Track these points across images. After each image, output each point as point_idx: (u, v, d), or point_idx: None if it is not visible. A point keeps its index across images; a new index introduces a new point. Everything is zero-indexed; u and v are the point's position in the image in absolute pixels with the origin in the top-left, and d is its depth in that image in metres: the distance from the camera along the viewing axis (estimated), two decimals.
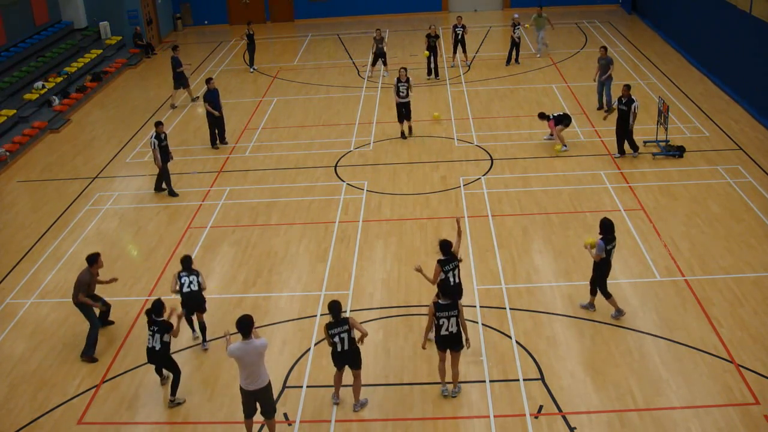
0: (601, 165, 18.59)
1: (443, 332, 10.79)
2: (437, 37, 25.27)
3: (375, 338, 12.62)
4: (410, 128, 20.96)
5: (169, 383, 11.58)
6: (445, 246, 11.84)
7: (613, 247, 12.59)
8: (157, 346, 11.20)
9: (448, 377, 11.30)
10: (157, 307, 11.17)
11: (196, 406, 11.45)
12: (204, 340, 12.75)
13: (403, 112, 20.50)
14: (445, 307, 10.70)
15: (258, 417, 10.53)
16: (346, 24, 35.25)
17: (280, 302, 13.89)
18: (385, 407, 11.19)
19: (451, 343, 10.89)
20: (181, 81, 24.73)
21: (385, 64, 26.11)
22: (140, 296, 14.35)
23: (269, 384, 10.23)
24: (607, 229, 12.47)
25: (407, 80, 20.25)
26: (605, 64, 21.52)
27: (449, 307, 10.69)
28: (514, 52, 26.93)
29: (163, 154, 17.91)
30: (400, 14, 35.60)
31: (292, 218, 16.93)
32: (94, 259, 12.84)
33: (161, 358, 11.35)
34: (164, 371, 11.75)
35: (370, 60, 23.07)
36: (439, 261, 11.88)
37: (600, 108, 22.00)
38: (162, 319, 11.16)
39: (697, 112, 21.76)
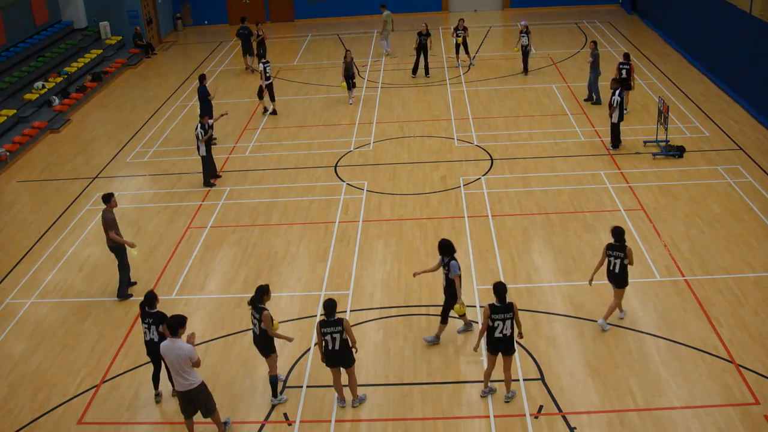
0: (601, 165, 18.59)
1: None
2: (428, 35, 25.28)
3: (375, 338, 12.64)
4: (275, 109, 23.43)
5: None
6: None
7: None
8: (156, 338, 11.16)
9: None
10: (150, 299, 11.15)
11: None
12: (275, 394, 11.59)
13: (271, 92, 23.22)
14: (330, 324, 10.63)
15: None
16: (346, 24, 35.26)
17: (281, 302, 13.88)
18: (385, 407, 11.20)
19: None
20: (248, 50, 27.70)
21: (353, 86, 24.23)
22: (140, 296, 14.17)
23: (201, 385, 10.23)
24: (447, 249, 11.84)
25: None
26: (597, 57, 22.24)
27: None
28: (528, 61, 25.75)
29: (207, 144, 18.17)
30: (400, 14, 35.55)
31: (292, 218, 16.93)
32: (109, 197, 14.00)
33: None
34: (159, 387, 11.67)
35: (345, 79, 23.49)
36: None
37: (588, 99, 22.78)
38: (155, 310, 11.14)
39: (697, 112, 21.76)
